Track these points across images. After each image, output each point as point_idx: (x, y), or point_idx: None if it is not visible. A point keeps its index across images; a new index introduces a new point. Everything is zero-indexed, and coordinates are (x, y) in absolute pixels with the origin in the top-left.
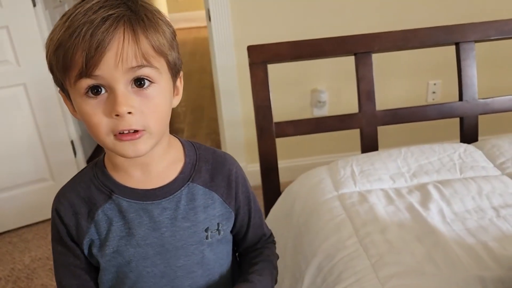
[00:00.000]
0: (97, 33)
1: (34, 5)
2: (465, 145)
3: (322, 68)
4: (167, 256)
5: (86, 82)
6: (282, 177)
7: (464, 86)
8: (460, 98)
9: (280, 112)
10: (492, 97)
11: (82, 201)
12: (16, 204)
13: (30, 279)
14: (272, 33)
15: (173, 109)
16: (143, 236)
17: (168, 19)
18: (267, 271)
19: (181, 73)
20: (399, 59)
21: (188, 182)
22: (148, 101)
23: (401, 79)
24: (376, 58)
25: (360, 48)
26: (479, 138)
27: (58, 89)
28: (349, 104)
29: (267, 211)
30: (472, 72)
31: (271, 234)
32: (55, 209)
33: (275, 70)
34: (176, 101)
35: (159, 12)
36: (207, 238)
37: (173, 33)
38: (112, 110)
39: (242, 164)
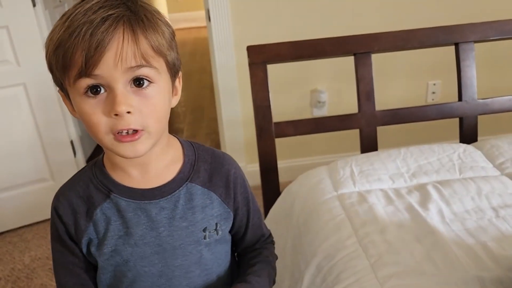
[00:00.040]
0: (96, 33)
1: (34, 5)
2: (464, 145)
3: (322, 68)
4: (164, 256)
5: (86, 82)
6: (282, 177)
7: (463, 87)
8: (460, 99)
9: (280, 112)
10: (491, 98)
11: (81, 200)
12: (16, 204)
13: (30, 278)
14: (272, 33)
15: (173, 109)
16: (141, 235)
17: (167, 19)
18: (265, 272)
19: (180, 73)
20: (399, 59)
21: (187, 182)
22: (147, 100)
23: (400, 79)
24: (376, 58)
25: (359, 48)
26: (479, 138)
27: (57, 88)
28: (349, 104)
29: (266, 211)
30: (471, 73)
31: (270, 234)
32: (54, 208)
33: (274, 70)
34: (175, 101)
35: (158, 12)
36: (205, 238)
37: (172, 33)
38: (111, 110)
39: (241, 164)
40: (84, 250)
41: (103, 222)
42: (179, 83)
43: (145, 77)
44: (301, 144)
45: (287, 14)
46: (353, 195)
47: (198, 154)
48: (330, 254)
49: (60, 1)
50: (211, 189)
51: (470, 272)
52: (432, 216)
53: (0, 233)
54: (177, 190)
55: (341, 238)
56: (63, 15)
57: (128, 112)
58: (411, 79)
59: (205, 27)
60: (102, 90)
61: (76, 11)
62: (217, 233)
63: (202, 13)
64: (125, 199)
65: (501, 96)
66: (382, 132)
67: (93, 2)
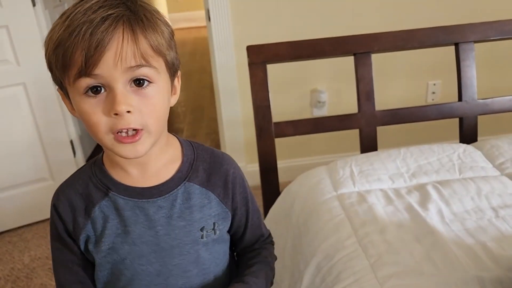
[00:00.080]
0: (96, 33)
1: (34, 4)
2: (464, 145)
3: (322, 68)
4: (162, 255)
5: (86, 81)
6: (282, 177)
7: (463, 87)
8: (460, 99)
9: (280, 112)
10: (491, 98)
11: (80, 197)
12: (15, 203)
13: (29, 278)
14: (271, 33)
15: (172, 109)
16: (139, 234)
17: (166, 19)
18: (263, 273)
19: (179, 73)
20: (399, 59)
21: (185, 181)
22: (146, 100)
23: (400, 79)
24: (376, 58)
25: (359, 48)
26: (479, 138)
27: (57, 87)
28: (349, 104)
29: (266, 211)
30: (471, 73)
31: (270, 234)
32: (54, 205)
33: (274, 70)
34: (174, 100)
35: (157, 12)
36: (202, 237)
37: (171, 33)
38: (111, 109)
39: (241, 164)
40: (82, 247)
41: (101, 220)
42: (178, 82)
43: (145, 77)
44: (300, 144)
45: (287, 14)
46: (353, 195)
47: (197, 154)
48: (330, 254)
49: (60, 1)
50: (209, 188)
51: (469, 272)
52: (432, 216)
53: (0, 232)
54: (175, 189)
55: (340, 238)
56: (63, 14)
57: (128, 112)
58: (411, 79)
59: (205, 27)
60: (102, 90)
61: (76, 11)
62: (215, 233)
63: (202, 13)
64: (123, 197)
65: (501, 96)
66: (382, 132)
67: (93, 2)
